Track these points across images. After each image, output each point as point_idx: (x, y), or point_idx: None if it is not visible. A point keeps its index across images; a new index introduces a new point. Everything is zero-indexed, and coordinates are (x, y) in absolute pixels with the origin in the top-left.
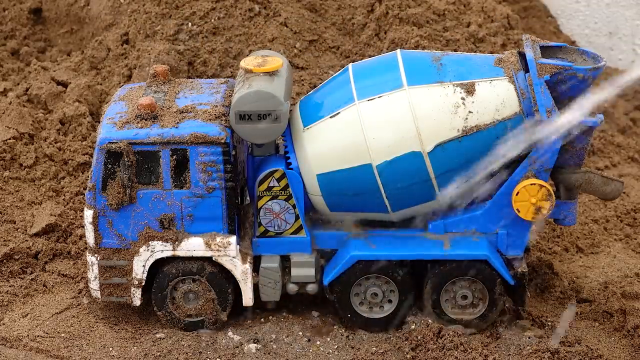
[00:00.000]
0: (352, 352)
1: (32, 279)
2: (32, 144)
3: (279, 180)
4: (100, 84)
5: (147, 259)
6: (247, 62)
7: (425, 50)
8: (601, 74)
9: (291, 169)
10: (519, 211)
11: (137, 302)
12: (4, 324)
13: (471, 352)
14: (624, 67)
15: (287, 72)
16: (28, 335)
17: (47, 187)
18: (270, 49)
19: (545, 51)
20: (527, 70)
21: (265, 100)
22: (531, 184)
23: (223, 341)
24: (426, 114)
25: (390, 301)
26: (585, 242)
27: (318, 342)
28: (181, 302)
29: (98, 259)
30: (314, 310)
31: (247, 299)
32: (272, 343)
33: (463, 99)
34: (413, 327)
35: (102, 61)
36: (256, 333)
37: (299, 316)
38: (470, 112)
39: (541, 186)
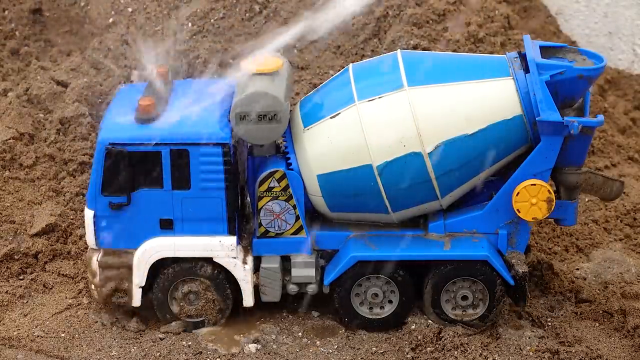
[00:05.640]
0: (352, 352)
1: (32, 279)
2: (32, 144)
3: (279, 180)
4: (101, 84)
5: (148, 260)
6: (247, 63)
7: (426, 51)
8: (601, 74)
9: (291, 169)
10: (519, 212)
11: (137, 302)
12: (4, 324)
13: (471, 352)
14: (624, 67)
15: (287, 72)
16: (28, 336)
17: (47, 187)
18: (270, 49)
19: (545, 51)
20: (527, 71)
21: (266, 101)
22: (531, 185)
23: (223, 341)
24: (426, 115)
25: (390, 301)
26: (585, 242)
27: (318, 342)
28: (182, 303)
29: (98, 259)
30: (314, 310)
31: (248, 300)
32: (272, 343)
33: (463, 99)
34: (413, 327)
35: (102, 61)
36: (256, 333)
37: (299, 316)
38: (470, 112)
39: (541, 186)
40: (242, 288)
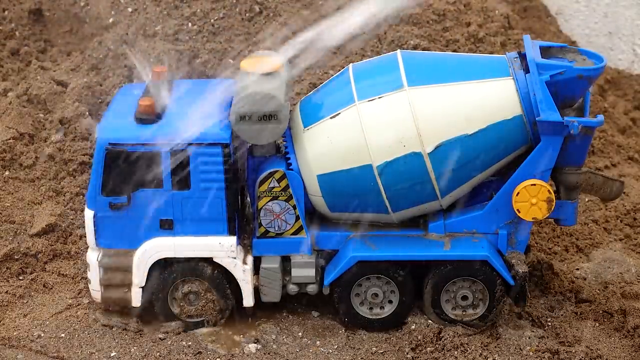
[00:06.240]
0: (352, 352)
1: (32, 279)
2: (32, 144)
3: (279, 181)
4: (101, 84)
5: (148, 260)
6: (246, 63)
7: (425, 51)
8: (601, 74)
9: (291, 169)
10: (519, 212)
11: (137, 302)
12: (4, 324)
13: (471, 352)
14: (624, 67)
15: (287, 72)
16: (28, 336)
17: (47, 187)
18: (270, 49)
19: (545, 51)
20: (527, 71)
21: (266, 101)
22: (531, 185)
23: (223, 341)
24: (426, 115)
25: (390, 301)
26: (585, 242)
27: (318, 342)
28: (182, 303)
29: (98, 259)
30: (314, 310)
31: (248, 300)
32: (272, 343)
33: (463, 99)
34: (413, 327)
35: (102, 61)
36: (256, 333)
37: (299, 316)
38: (470, 112)
39: (541, 187)
40: (242, 288)
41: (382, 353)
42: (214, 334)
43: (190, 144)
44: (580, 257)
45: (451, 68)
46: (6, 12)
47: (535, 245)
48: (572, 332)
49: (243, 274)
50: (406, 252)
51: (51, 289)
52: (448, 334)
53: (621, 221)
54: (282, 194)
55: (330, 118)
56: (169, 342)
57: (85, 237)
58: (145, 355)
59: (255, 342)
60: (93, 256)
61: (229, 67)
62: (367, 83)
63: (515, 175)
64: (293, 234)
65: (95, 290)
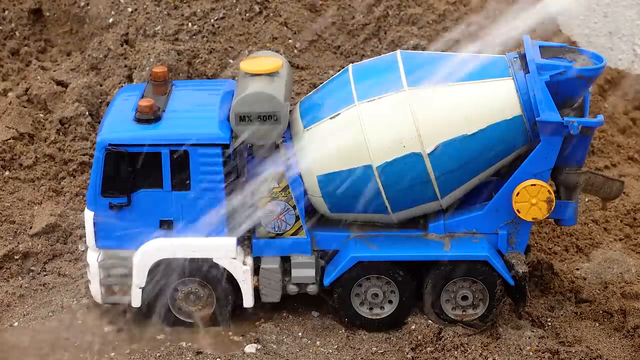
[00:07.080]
0: (352, 352)
1: (32, 279)
2: (32, 144)
3: (279, 181)
4: (101, 84)
5: (148, 261)
6: (246, 63)
7: (425, 51)
8: (601, 74)
9: None
10: (519, 212)
11: (137, 303)
12: (3, 324)
13: (471, 352)
14: (624, 67)
15: (287, 72)
16: (28, 336)
17: (47, 187)
18: (270, 49)
19: (545, 51)
20: (527, 71)
21: (265, 101)
22: (531, 185)
23: (223, 341)
24: (426, 115)
25: (390, 301)
26: (585, 242)
27: (318, 342)
28: (182, 303)
29: (98, 260)
30: (314, 310)
31: (248, 300)
32: (272, 343)
33: (463, 99)
34: (413, 327)
35: (102, 61)
36: (256, 333)
37: (299, 316)
38: (470, 112)
39: (541, 187)
40: (242, 288)
41: (382, 353)
42: (214, 334)
43: (190, 145)
44: (580, 257)
45: (451, 68)
46: (6, 12)
47: (535, 245)
48: (572, 332)
49: (243, 274)
50: (406, 252)
51: (51, 289)
52: (448, 334)
53: (621, 221)
54: (282, 194)
55: (330, 118)
56: (169, 343)
57: (85, 237)
58: (144, 356)
59: (255, 343)
60: (93, 257)
61: (229, 67)
62: (367, 83)
63: (515, 175)
64: (293, 234)
65: (95, 291)
